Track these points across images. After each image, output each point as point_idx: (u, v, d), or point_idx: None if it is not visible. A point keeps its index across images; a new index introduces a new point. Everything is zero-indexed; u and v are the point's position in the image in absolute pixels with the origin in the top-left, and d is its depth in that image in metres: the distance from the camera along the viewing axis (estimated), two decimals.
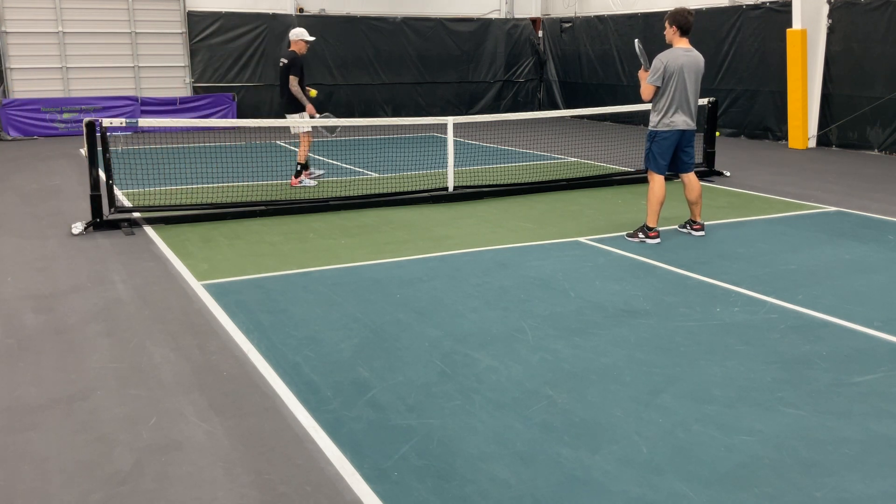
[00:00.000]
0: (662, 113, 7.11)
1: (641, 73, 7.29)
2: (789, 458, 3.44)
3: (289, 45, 10.00)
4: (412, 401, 3.99)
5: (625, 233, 7.46)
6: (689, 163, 7.36)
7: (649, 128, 7.27)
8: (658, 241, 7.16)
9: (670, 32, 7.17)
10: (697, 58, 7.14)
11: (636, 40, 7.66)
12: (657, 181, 7.24)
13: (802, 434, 3.65)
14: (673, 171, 7.43)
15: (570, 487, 3.22)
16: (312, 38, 10.09)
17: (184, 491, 3.21)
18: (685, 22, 7.10)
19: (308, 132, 10.01)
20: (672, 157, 7.26)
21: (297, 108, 9.78)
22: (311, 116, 9.75)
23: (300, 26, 10.32)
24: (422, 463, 3.40)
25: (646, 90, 7.15)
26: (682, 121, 7.09)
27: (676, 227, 7.73)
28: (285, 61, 9.75)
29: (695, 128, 7.23)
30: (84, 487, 3.24)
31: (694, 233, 7.47)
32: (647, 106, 7.73)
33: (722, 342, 4.77)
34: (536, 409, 3.90)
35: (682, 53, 7.05)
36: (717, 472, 3.33)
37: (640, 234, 7.23)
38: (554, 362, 4.47)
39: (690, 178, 7.41)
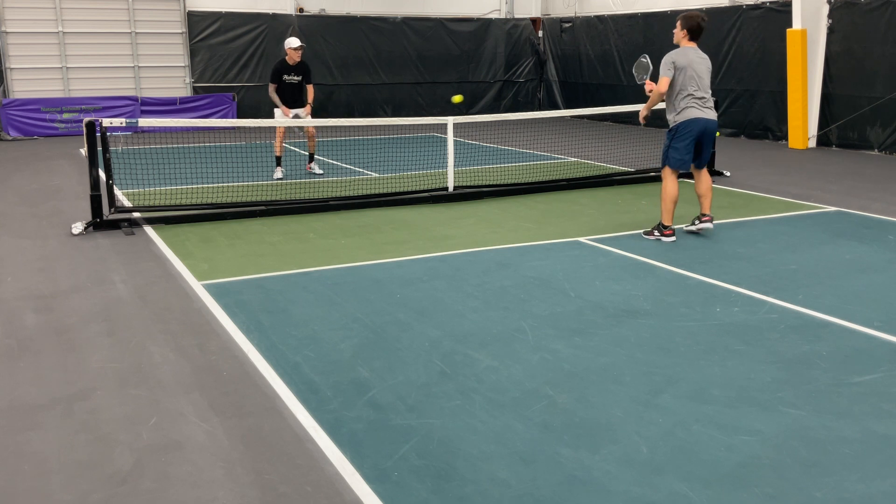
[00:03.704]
0: (679, 108, 7.17)
1: (648, 83, 7.39)
2: (789, 458, 3.44)
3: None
4: (412, 401, 3.99)
5: (641, 230, 7.52)
6: (705, 158, 7.45)
7: (669, 125, 7.31)
8: (673, 238, 7.21)
9: (680, 35, 7.26)
10: (705, 56, 7.27)
11: (641, 59, 7.79)
12: (671, 180, 7.30)
13: (802, 434, 3.65)
14: (689, 166, 7.51)
15: (570, 487, 3.22)
16: (296, 45, 10.57)
17: (184, 491, 3.21)
18: (696, 26, 7.19)
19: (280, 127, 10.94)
20: (694, 151, 7.32)
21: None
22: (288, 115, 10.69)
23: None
24: (422, 463, 3.40)
25: (661, 83, 7.13)
26: (701, 111, 7.13)
27: (683, 226, 7.70)
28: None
29: (715, 119, 7.28)
30: (84, 487, 3.24)
31: (702, 224, 7.47)
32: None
33: (722, 342, 4.77)
34: (536, 409, 3.90)
35: (691, 51, 7.16)
36: (717, 472, 3.33)
37: (656, 232, 7.31)
38: (554, 362, 4.47)
39: (702, 172, 7.50)
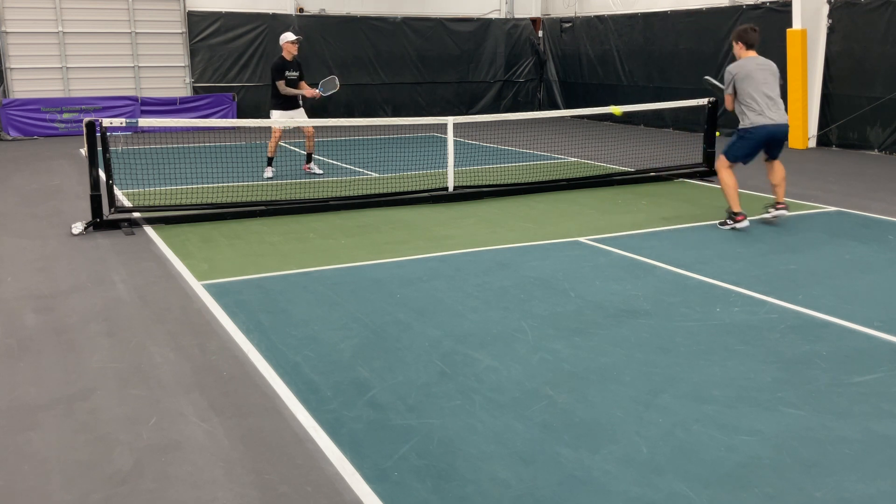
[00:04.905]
0: (747, 114, 7.54)
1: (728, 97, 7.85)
2: (789, 458, 3.44)
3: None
4: (412, 401, 3.99)
5: (717, 221, 7.87)
6: (776, 154, 7.85)
7: (738, 128, 7.68)
8: (747, 224, 7.57)
9: (737, 48, 7.77)
10: (768, 62, 7.69)
11: (706, 78, 8.48)
12: (726, 172, 7.72)
13: (802, 434, 3.65)
14: (746, 162, 7.90)
15: (570, 487, 3.22)
16: (293, 39, 10.59)
17: (184, 491, 3.22)
18: (748, 37, 7.68)
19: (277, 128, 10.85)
20: (764, 148, 7.73)
21: (274, 105, 10.67)
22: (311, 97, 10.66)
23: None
24: (422, 463, 3.40)
25: (726, 101, 7.75)
26: (769, 117, 7.49)
27: (761, 214, 8.02)
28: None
29: (785, 121, 7.62)
30: (84, 487, 3.24)
31: (777, 211, 7.86)
32: (647, 106, 8.01)
33: (722, 342, 4.78)
34: (536, 409, 3.90)
35: (751, 61, 7.56)
36: (717, 472, 3.33)
37: (729, 221, 7.67)
38: (554, 362, 4.47)
39: (775, 163, 7.88)
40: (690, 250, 6.93)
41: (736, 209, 7.61)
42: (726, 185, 7.68)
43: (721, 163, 7.79)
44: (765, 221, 7.87)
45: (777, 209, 7.87)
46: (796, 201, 9.15)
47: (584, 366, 4.43)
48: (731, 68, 7.60)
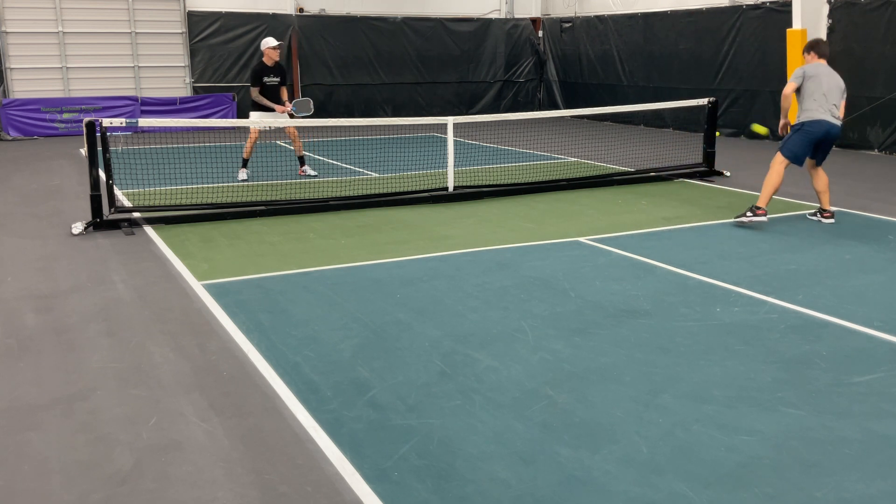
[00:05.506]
0: (806, 109, 7.74)
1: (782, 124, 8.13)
2: (789, 458, 3.44)
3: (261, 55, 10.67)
4: (412, 401, 3.99)
5: (732, 218, 8.00)
6: (821, 158, 8.02)
7: (796, 122, 7.85)
8: (765, 219, 7.70)
9: (809, 57, 8.08)
10: (838, 76, 7.91)
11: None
12: (777, 169, 7.80)
13: (802, 434, 3.65)
14: (800, 162, 7.96)
15: (570, 487, 3.22)
16: (274, 45, 10.44)
17: (184, 491, 3.22)
18: (820, 49, 8.09)
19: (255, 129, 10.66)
20: (813, 151, 7.87)
21: (254, 107, 10.53)
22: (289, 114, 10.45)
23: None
24: (422, 463, 3.40)
25: (787, 86, 7.85)
26: (825, 116, 7.66)
27: (806, 214, 8.34)
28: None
29: (839, 126, 7.78)
30: (84, 487, 3.24)
31: (823, 220, 8.02)
32: (647, 106, 8.04)
33: (722, 342, 4.78)
34: (536, 409, 3.90)
35: (822, 66, 7.90)
36: (717, 472, 3.33)
37: (749, 213, 7.75)
38: (554, 362, 4.47)
39: (819, 170, 8.05)
40: (690, 250, 6.93)
41: (762, 204, 7.73)
42: (770, 180, 7.79)
43: (776, 159, 7.88)
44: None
45: (824, 218, 8.04)
46: (796, 201, 9.16)
47: (584, 366, 4.43)
48: (804, 66, 7.88)
